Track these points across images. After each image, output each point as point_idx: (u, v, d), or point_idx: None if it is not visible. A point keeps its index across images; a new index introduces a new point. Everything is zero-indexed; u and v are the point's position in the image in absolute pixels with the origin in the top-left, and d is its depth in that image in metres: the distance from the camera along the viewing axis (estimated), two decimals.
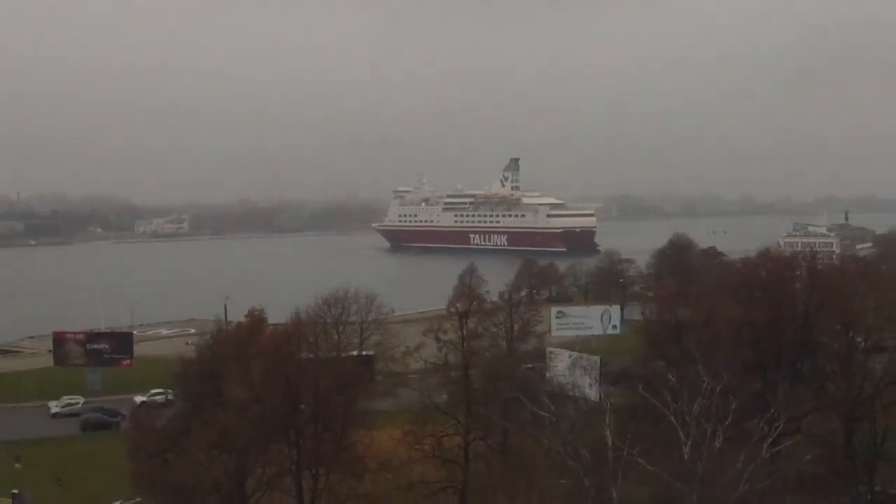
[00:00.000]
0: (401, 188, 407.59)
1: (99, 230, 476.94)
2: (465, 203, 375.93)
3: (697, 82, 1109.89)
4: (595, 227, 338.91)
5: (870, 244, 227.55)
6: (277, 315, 75.53)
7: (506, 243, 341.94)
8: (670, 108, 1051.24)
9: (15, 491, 62.99)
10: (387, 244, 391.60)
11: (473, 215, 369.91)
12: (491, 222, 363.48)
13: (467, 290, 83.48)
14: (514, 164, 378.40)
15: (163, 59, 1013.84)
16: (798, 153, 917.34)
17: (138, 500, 59.51)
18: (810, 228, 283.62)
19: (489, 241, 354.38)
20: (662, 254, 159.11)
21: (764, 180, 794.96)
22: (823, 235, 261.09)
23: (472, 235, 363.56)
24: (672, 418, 38.21)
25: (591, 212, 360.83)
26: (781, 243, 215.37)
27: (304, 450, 55.00)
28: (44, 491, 63.98)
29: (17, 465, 66.17)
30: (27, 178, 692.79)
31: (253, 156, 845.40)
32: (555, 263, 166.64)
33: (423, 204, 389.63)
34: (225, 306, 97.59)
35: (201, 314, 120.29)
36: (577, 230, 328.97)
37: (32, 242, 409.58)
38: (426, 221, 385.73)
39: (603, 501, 37.19)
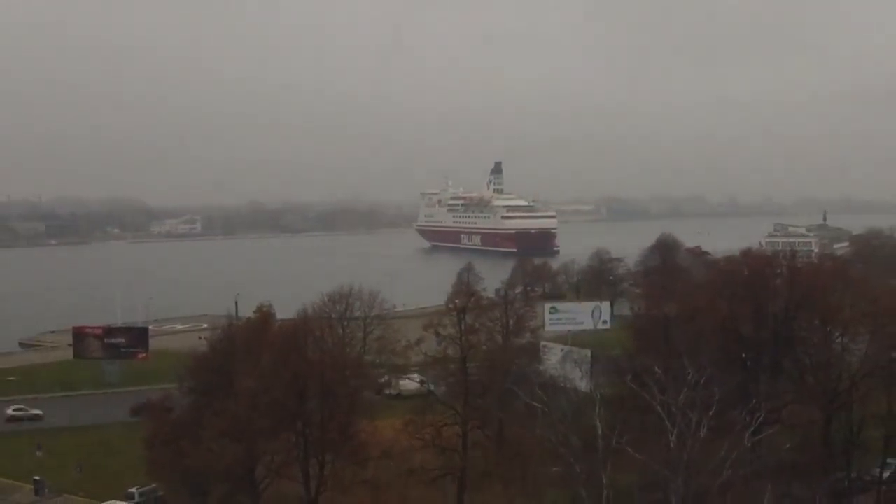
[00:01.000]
0: (428, 190, 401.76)
1: (116, 231, 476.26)
2: (458, 205, 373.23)
3: (682, 90, 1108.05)
4: (554, 229, 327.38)
5: (846, 244, 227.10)
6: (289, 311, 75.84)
7: (479, 243, 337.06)
8: (658, 115, 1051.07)
9: (36, 477, 63.22)
10: (426, 243, 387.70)
11: (463, 216, 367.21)
12: (470, 223, 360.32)
13: (465, 288, 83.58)
14: (498, 167, 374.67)
15: (177, 69, 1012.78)
16: (778, 157, 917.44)
17: (154, 485, 59.58)
18: (790, 229, 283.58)
19: (471, 241, 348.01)
20: (650, 253, 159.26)
21: (746, 183, 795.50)
22: (803, 235, 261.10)
23: (462, 235, 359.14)
24: (659, 409, 38.27)
25: (552, 213, 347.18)
26: (763, 243, 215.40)
27: (310, 439, 55.07)
28: (64, 477, 64.10)
29: (39, 454, 66.23)
30: (48, 181, 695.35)
31: (262, 160, 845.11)
32: (548, 262, 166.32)
33: (437, 205, 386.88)
34: (236, 303, 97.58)
35: (213, 310, 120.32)
36: (533, 231, 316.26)
37: (53, 242, 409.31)
38: (439, 222, 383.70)
39: (593, 487, 37.24)
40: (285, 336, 62.54)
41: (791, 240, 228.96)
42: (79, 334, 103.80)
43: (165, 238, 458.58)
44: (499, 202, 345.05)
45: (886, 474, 55.21)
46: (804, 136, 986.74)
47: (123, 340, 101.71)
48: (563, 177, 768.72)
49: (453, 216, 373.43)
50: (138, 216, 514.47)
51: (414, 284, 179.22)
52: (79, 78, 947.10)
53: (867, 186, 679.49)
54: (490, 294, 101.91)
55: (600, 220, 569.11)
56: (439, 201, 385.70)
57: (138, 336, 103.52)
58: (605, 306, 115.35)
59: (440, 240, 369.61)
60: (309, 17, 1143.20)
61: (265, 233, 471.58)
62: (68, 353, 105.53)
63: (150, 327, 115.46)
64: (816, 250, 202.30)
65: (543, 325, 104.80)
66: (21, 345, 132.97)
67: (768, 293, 70.34)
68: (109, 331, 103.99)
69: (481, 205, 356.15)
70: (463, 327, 59.53)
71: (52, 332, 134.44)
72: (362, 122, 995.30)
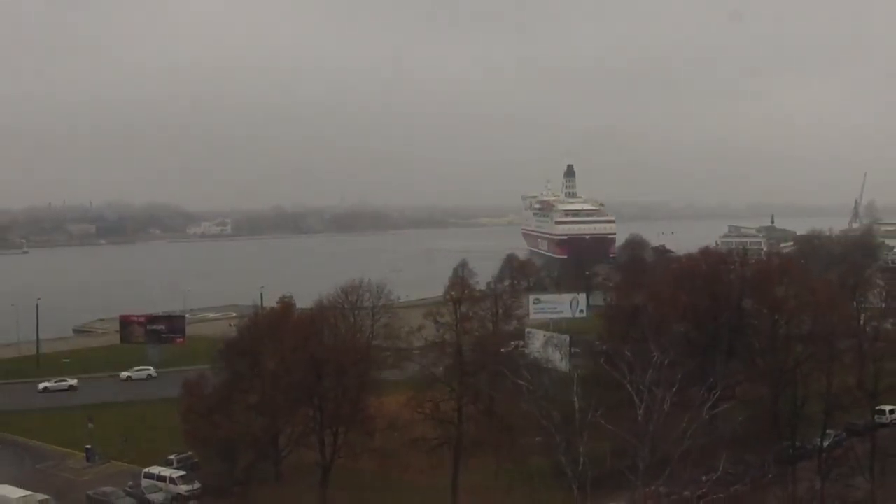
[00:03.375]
0: (529, 193, 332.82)
1: (157, 232, 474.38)
2: (538, 209, 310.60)
3: (648, 105, 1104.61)
4: (612, 234, 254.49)
5: (791, 243, 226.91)
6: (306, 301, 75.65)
7: (546, 248, 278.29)
8: (628, 127, 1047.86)
9: (88, 446, 63.18)
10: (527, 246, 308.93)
11: (539, 220, 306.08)
12: (541, 228, 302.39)
13: (460, 281, 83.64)
14: (570, 170, 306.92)
15: (210, 90, 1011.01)
16: (733, 167, 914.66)
17: (189, 453, 59.52)
18: (742, 230, 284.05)
19: (542, 246, 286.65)
20: (621, 250, 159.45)
21: (705, 190, 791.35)
22: (753, 236, 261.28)
23: (538, 240, 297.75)
24: (628, 386, 38.09)
25: (611, 218, 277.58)
26: (718, 242, 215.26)
27: (325, 413, 55.10)
28: (112, 446, 64.03)
29: (90, 425, 66.03)
30: (98, 188, 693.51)
31: (283, 169, 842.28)
32: (532, 259, 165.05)
33: (529, 209, 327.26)
34: (261, 294, 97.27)
35: (241, 301, 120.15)
36: (587, 237, 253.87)
37: (102, 242, 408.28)
38: (528, 226, 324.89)
39: (571, 455, 37.17)
40: (304, 323, 62.57)
41: (743, 239, 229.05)
42: (125, 322, 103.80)
43: (200, 238, 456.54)
44: (562, 206, 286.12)
45: (826, 443, 55.24)
46: (756, 149, 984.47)
47: (164, 327, 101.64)
48: (547, 183, 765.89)
49: (536, 220, 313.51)
50: (177, 219, 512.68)
51: None
52: (124, 95, 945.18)
53: (810, 193, 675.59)
54: (482, 287, 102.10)
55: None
56: (531, 205, 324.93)
57: (176, 323, 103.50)
58: (582, 297, 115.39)
59: (531, 244, 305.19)
60: (323, 47, 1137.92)
61: (286, 234, 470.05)
62: (115, 339, 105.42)
63: (187, 316, 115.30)
64: (765, 249, 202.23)
65: (528, 314, 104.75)
66: (75, 331, 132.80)
67: (723, 286, 70.45)
68: (151, 319, 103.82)
69: (548, 209, 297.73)
70: (458, 315, 59.45)
71: (102, 319, 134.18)
72: (368, 135, 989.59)
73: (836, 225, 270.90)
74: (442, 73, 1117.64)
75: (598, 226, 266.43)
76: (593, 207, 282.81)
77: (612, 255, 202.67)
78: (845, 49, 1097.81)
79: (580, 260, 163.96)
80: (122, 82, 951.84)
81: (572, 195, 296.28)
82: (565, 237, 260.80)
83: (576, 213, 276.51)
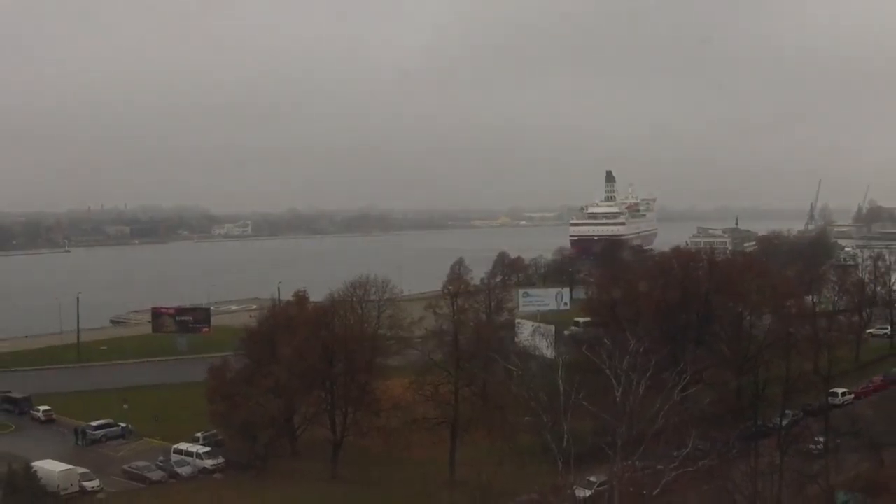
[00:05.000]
0: (598, 201, 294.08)
1: (185, 232, 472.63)
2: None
3: (621, 115, 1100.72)
4: (621, 237, 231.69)
5: (754, 243, 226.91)
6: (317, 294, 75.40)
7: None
8: (604, 135, 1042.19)
9: (123, 424, 63.12)
10: None
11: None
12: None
13: (457, 277, 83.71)
14: (609, 175, 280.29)
15: (231, 104, 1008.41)
16: (701, 174, 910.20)
17: (214, 431, 59.51)
18: (710, 231, 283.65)
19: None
20: (602, 250, 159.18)
21: (675, 194, 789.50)
22: (719, 236, 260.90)
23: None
24: (607, 371, 38.09)
25: (621, 220, 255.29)
26: (688, 242, 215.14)
27: (336, 395, 55.25)
28: (145, 425, 63.98)
29: (125, 406, 66.03)
30: (133, 192, 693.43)
31: (297, 176, 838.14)
32: (521, 257, 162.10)
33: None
34: (278, 289, 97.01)
35: (261, 294, 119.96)
36: (595, 238, 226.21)
37: (136, 242, 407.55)
38: None
39: (556, 433, 37.15)
40: (317, 315, 62.55)
41: (710, 240, 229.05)
42: (156, 313, 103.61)
43: (223, 238, 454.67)
44: (589, 209, 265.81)
45: (785, 422, 55.27)
46: (722, 157, 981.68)
47: (191, 318, 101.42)
48: (533, 189, 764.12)
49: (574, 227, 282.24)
50: (203, 221, 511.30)
51: None
52: (157, 104, 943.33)
53: (771, 197, 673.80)
54: (476, 282, 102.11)
55: (561, 225, 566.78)
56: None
57: (203, 315, 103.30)
58: (566, 292, 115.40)
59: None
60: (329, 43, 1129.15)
61: (301, 234, 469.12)
62: (148, 328, 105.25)
63: (212, 308, 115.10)
64: (730, 248, 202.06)
65: (518, 307, 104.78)
66: (111, 321, 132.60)
67: (692, 281, 70.62)
68: (180, 311, 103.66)
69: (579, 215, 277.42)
70: (455, 308, 59.51)
71: (136, 311, 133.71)
72: (374, 143, 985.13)
73: (793, 226, 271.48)
74: (442, 90, 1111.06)
75: (606, 228, 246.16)
76: (617, 210, 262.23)
77: (592, 254, 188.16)
78: (800, 65, 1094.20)
79: (567, 259, 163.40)
80: (152, 95, 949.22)
81: (611, 199, 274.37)
82: (576, 238, 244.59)
83: (594, 215, 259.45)
